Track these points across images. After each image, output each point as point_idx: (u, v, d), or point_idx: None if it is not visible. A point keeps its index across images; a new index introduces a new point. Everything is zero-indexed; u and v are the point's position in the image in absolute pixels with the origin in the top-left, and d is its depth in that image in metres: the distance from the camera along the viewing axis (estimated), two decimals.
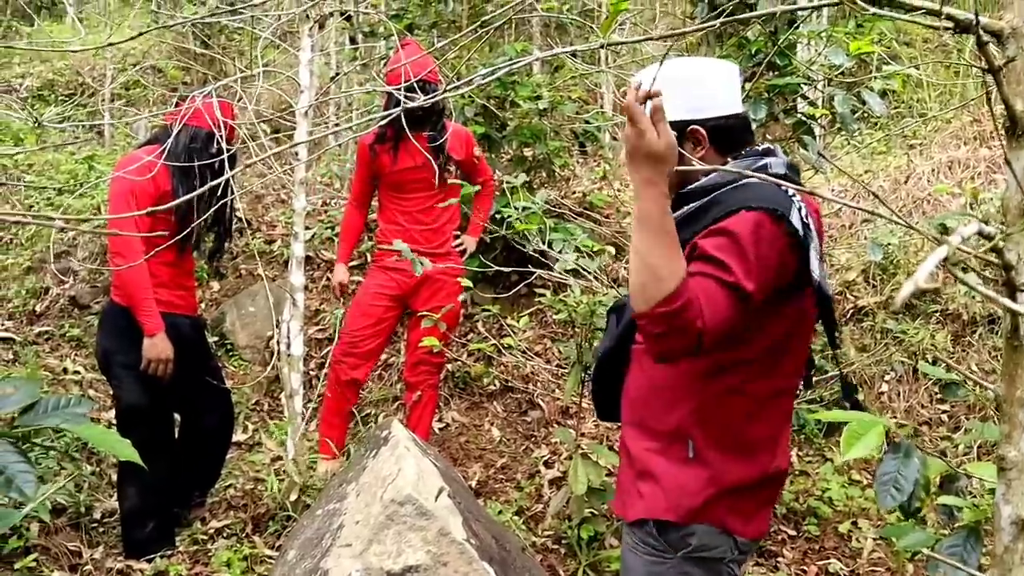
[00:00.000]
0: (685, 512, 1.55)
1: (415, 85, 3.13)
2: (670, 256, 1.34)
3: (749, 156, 1.62)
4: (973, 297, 4.22)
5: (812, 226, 1.49)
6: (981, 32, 0.91)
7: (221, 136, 3.04)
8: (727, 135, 1.62)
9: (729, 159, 1.63)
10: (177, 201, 1.25)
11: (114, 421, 3.61)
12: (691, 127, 1.61)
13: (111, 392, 4.07)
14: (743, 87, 2.98)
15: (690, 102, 1.60)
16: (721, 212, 1.48)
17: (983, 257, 0.90)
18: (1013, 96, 0.99)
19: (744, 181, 1.52)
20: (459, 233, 3.74)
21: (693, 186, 1.61)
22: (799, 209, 1.47)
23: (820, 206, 1.62)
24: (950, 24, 0.86)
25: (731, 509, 1.55)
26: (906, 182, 4.95)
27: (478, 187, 3.63)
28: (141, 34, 1.74)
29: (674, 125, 1.57)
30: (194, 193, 1.41)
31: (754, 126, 2.91)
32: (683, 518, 1.55)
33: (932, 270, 0.61)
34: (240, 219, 3.33)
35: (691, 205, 1.58)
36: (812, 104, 3.24)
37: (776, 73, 3.03)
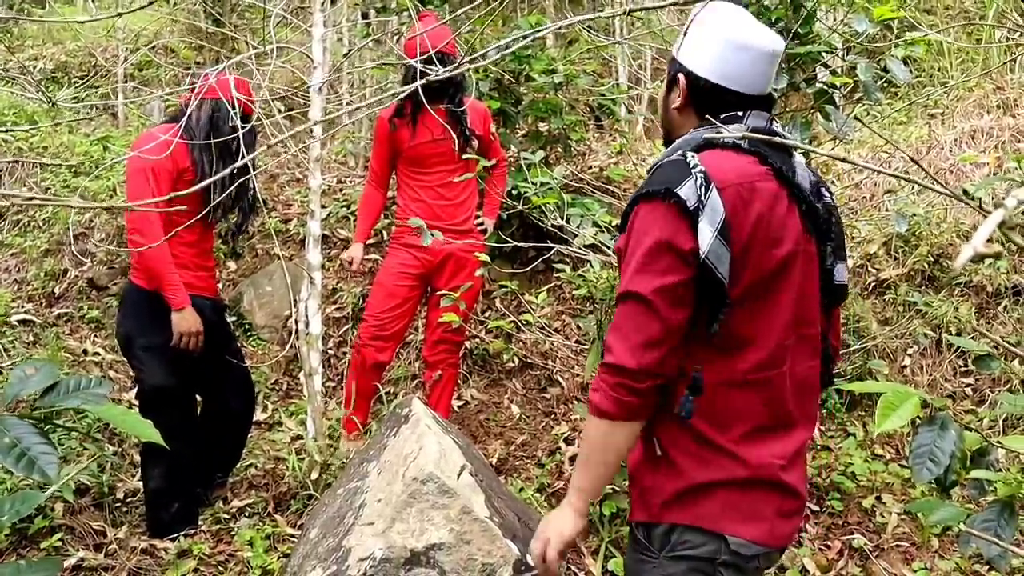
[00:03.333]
0: (656, 510, 1.52)
1: (433, 57, 3.09)
2: (586, 462, 1.54)
3: (705, 126, 1.58)
4: (997, 268, 4.15)
5: (715, 198, 1.41)
6: None
7: (237, 113, 3.02)
8: (710, 102, 1.57)
9: (696, 126, 1.61)
10: (209, 181, 1.23)
11: (134, 402, 3.63)
12: (679, 72, 1.60)
13: (131, 373, 4.10)
14: None
15: (696, 54, 1.57)
16: (628, 204, 1.54)
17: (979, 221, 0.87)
18: None
19: (658, 164, 1.53)
20: (477, 214, 3.71)
21: (657, 160, 1.59)
22: (695, 180, 1.42)
23: (763, 178, 1.51)
24: None
25: (717, 507, 1.48)
26: (928, 152, 4.87)
27: (493, 162, 3.59)
28: (151, 2, 1.71)
29: (673, 64, 1.64)
30: (224, 172, 1.39)
31: (775, 96, 2.85)
32: (654, 516, 1.53)
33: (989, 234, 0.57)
34: (257, 197, 3.31)
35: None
36: (834, 73, 3.17)
37: (797, 42, 2.97)
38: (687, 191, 1.42)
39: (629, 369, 1.42)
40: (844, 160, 0.96)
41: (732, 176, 1.46)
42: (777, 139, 1.36)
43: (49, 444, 1.12)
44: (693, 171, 1.44)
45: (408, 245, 3.56)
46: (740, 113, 1.57)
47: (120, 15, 1.53)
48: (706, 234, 1.40)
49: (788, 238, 1.49)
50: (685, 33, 1.60)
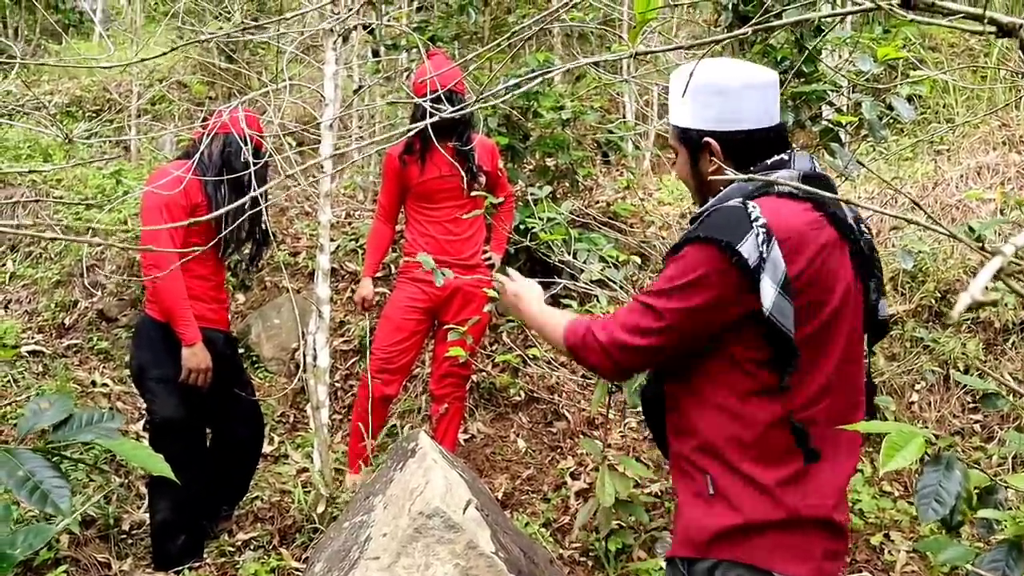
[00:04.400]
0: (703, 546, 1.51)
1: (444, 97, 3.14)
2: (548, 326, 1.76)
3: (757, 172, 1.56)
4: (1006, 305, 4.15)
5: (776, 253, 1.42)
6: (1022, 35, 0.89)
7: (249, 148, 3.06)
8: (745, 149, 1.58)
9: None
10: (219, 212, 1.26)
11: (142, 433, 3.65)
12: (705, 138, 1.59)
13: (140, 405, 4.11)
14: None
15: (710, 112, 1.57)
16: (675, 244, 1.54)
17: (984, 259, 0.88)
18: None
19: (714, 207, 1.53)
20: (485, 249, 3.74)
21: (702, 208, 1.60)
22: (757, 236, 1.42)
23: (819, 224, 1.53)
24: (993, 28, 0.84)
25: (768, 545, 1.47)
26: (934, 188, 4.89)
27: (502, 200, 3.62)
28: (173, 50, 1.76)
29: (690, 132, 1.61)
30: (236, 204, 1.42)
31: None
32: (700, 552, 1.52)
33: (987, 282, 0.59)
34: (269, 231, 3.35)
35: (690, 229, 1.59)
36: (839, 111, 3.21)
37: (802, 80, 3.01)
38: (749, 248, 1.42)
39: (598, 367, 1.61)
40: (847, 202, 0.98)
41: (791, 226, 1.46)
42: (825, 186, 1.38)
43: (62, 477, 1.13)
44: (754, 224, 1.43)
45: (416, 279, 3.58)
46: (785, 157, 1.58)
47: (142, 60, 1.57)
48: (769, 290, 1.41)
49: (841, 282, 1.51)
50: (682, 100, 1.60)
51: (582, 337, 1.62)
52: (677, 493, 1.63)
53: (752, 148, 1.57)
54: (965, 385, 4.01)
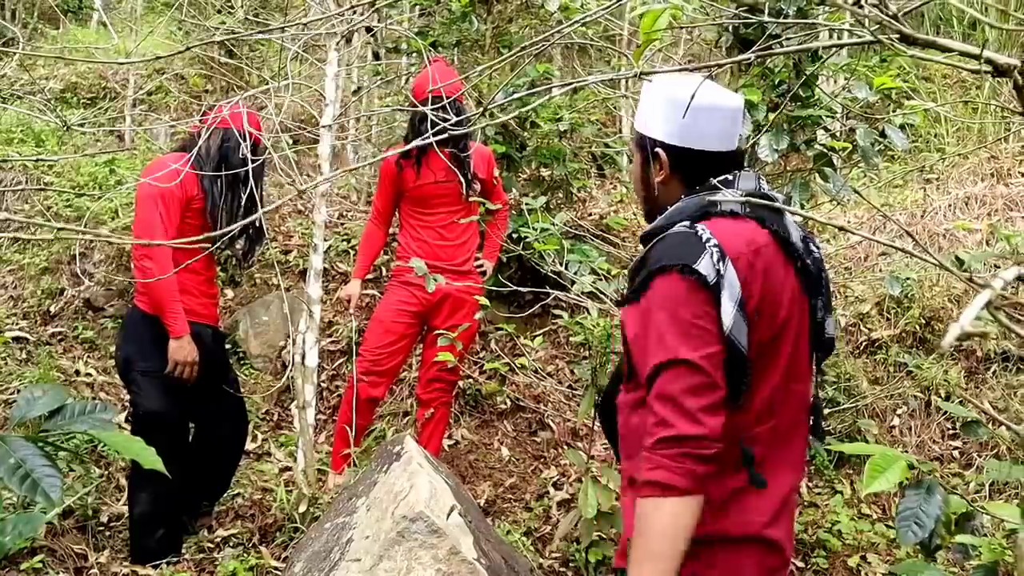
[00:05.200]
0: None
1: (447, 105, 3.16)
2: (646, 546, 1.39)
3: (702, 191, 1.58)
4: (988, 334, 4.20)
5: (730, 270, 1.44)
6: (1017, 77, 0.92)
7: (247, 145, 3.07)
8: (694, 169, 1.60)
9: (685, 192, 1.61)
10: (226, 229, 1.27)
11: (125, 425, 3.63)
12: (656, 148, 1.61)
13: (123, 396, 4.09)
14: (766, 117, 3.00)
15: (669, 127, 1.59)
16: (640, 277, 1.52)
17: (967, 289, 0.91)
18: None
19: (665, 233, 1.53)
20: (477, 256, 3.75)
21: (651, 227, 1.62)
22: (711, 255, 1.44)
23: (765, 243, 1.55)
24: (989, 68, 0.87)
25: (701, 563, 1.46)
26: (922, 216, 4.95)
27: (498, 206, 3.65)
28: (187, 49, 1.76)
29: (645, 139, 1.63)
30: (236, 201, 1.43)
31: (775, 156, 2.92)
32: None
33: (976, 315, 0.61)
34: (263, 227, 3.35)
35: (643, 252, 1.59)
36: (833, 136, 3.25)
37: (799, 104, 3.05)
38: (705, 266, 1.43)
39: (694, 436, 1.37)
40: (841, 228, 1.01)
41: (741, 246, 1.48)
42: (773, 203, 1.40)
43: (53, 467, 1.13)
44: (707, 245, 1.45)
45: (407, 283, 3.59)
46: (731, 177, 1.59)
47: (159, 57, 1.58)
48: (728, 309, 1.42)
49: (786, 300, 1.52)
50: (648, 108, 1.63)
51: (655, 464, 1.40)
52: (623, 503, 1.62)
53: (702, 168, 1.59)
54: (946, 412, 4.06)
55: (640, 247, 1.66)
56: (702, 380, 1.40)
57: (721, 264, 1.43)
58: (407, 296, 3.60)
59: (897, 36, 1.04)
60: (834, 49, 3.03)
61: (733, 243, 1.47)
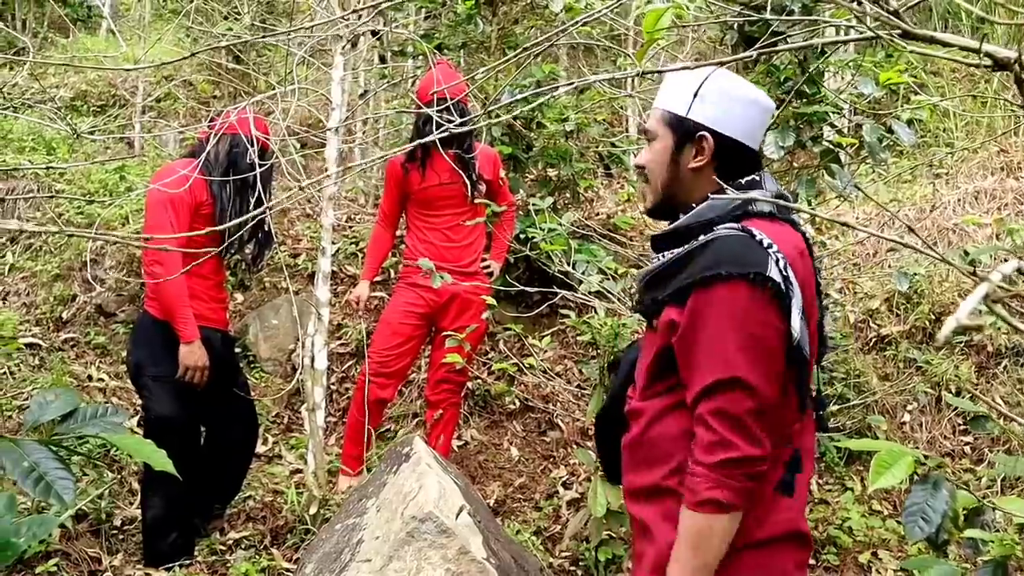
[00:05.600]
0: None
1: (450, 107, 3.18)
2: (696, 552, 1.42)
3: (733, 189, 1.53)
4: (998, 328, 4.19)
5: (792, 276, 1.41)
6: (1018, 70, 0.92)
7: (255, 150, 3.09)
8: (733, 160, 1.56)
9: (714, 186, 1.55)
10: (231, 227, 1.28)
11: (137, 430, 3.65)
12: (701, 132, 1.55)
13: (135, 401, 4.12)
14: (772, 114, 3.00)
15: (718, 112, 1.55)
16: (694, 277, 1.44)
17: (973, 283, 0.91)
18: None
19: (717, 234, 1.46)
20: (484, 257, 3.76)
21: (673, 226, 1.57)
22: (776, 262, 1.40)
23: (807, 244, 1.54)
24: (989, 62, 0.87)
25: (743, 567, 1.46)
26: (932, 211, 4.93)
27: (504, 208, 3.66)
28: (193, 55, 1.78)
29: (687, 123, 1.57)
30: (245, 215, 1.44)
31: (781, 153, 2.92)
32: None
33: (974, 307, 0.62)
34: (272, 231, 3.37)
35: (676, 252, 1.53)
36: (840, 132, 3.24)
37: (804, 101, 3.05)
38: (776, 274, 1.39)
39: (756, 458, 1.39)
40: (845, 224, 1.01)
41: (790, 251, 1.45)
42: (792, 205, 1.38)
43: (66, 470, 1.15)
44: (770, 251, 1.41)
45: (415, 285, 3.61)
46: (757, 177, 1.57)
47: (165, 64, 1.59)
48: (796, 317, 1.40)
49: (815, 302, 1.53)
50: (693, 90, 1.57)
51: (716, 483, 1.39)
52: (639, 520, 1.58)
53: (739, 163, 1.57)
54: (956, 408, 4.04)
55: (649, 246, 1.63)
56: (764, 402, 1.39)
57: (787, 271, 1.40)
58: (414, 298, 3.61)
59: (898, 32, 1.04)
60: (838, 45, 3.02)
61: (785, 248, 1.44)
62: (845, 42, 2.31)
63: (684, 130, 1.58)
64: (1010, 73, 0.95)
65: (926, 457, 1.47)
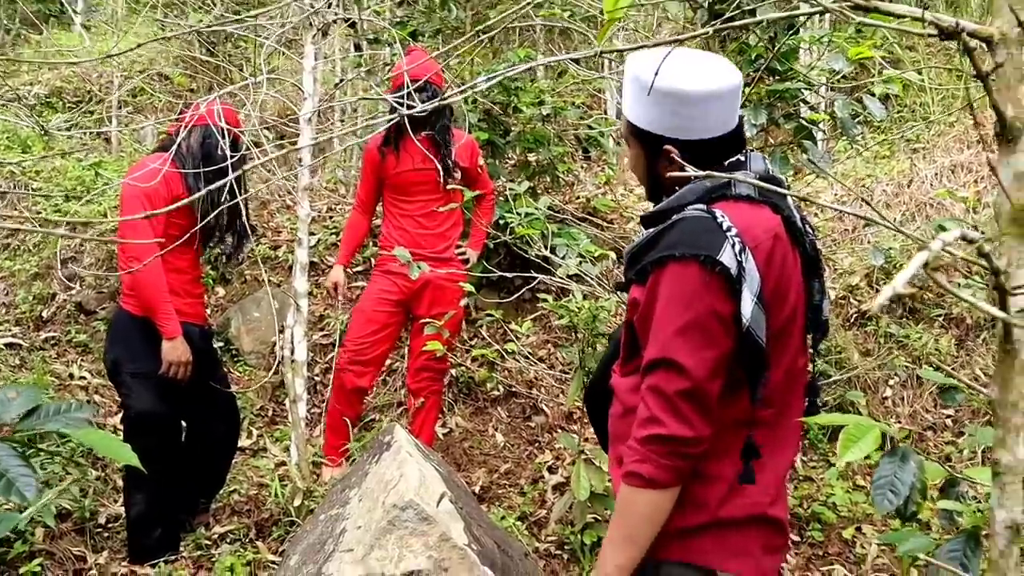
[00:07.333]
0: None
1: (423, 86, 3.17)
2: (624, 527, 1.46)
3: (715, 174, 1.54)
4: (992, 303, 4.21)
5: (750, 261, 1.40)
6: (966, 38, 0.91)
7: (226, 141, 3.06)
8: (703, 154, 1.54)
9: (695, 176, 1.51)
10: (199, 195, 1.27)
11: (119, 427, 3.64)
12: (665, 145, 1.54)
13: (117, 398, 4.10)
14: (743, 92, 2.99)
15: (672, 121, 1.52)
16: (653, 257, 1.46)
17: (972, 261, 0.91)
18: (1002, 102, 1.00)
19: (677, 216, 1.47)
20: (460, 244, 3.75)
21: (657, 208, 1.57)
22: (734, 246, 1.40)
23: (791, 226, 1.53)
24: (935, 31, 0.87)
25: (708, 544, 1.48)
26: (909, 186, 4.95)
27: (479, 193, 3.64)
28: (149, 41, 1.76)
29: (648, 135, 1.56)
30: (216, 185, 1.43)
31: (755, 131, 2.92)
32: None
33: (914, 274, 0.62)
34: (247, 224, 3.34)
35: (648, 232, 1.53)
36: (813, 109, 3.24)
37: (777, 78, 3.04)
38: (728, 258, 1.39)
39: (683, 438, 1.39)
40: (803, 199, 1.01)
41: (759, 234, 1.44)
42: (780, 188, 1.35)
43: (28, 467, 1.14)
44: (728, 235, 1.40)
45: (388, 272, 3.61)
46: (742, 158, 1.56)
47: (110, 56, 1.57)
48: (748, 303, 1.39)
49: (794, 287, 1.50)
50: (644, 101, 1.53)
51: (642, 457, 1.42)
52: (613, 481, 1.60)
53: (710, 153, 1.55)
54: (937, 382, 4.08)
55: (636, 227, 1.62)
56: (697, 384, 1.39)
57: (743, 255, 1.40)
58: (388, 285, 3.61)
59: (849, 5, 1.03)
60: (805, 20, 3.02)
61: (752, 231, 1.43)
62: (796, 16, 2.31)
63: (649, 142, 1.58)
64: (958, 42, 0.94)
65: (899, 430, 1.48)
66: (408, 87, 2.84)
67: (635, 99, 1.57)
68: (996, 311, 0.71)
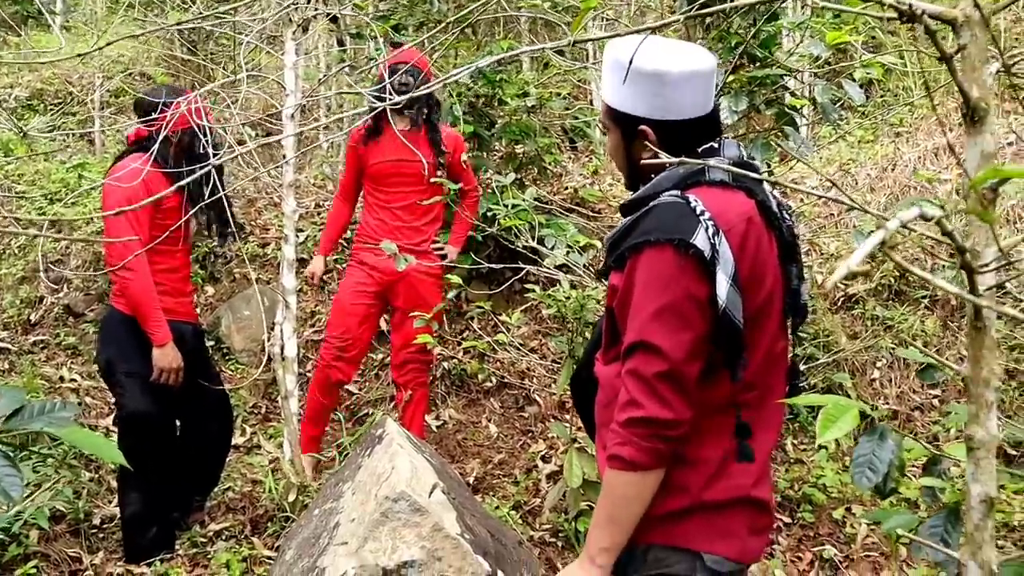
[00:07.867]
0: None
1: (408, 70, 3.17)
2: (608, 512, 1.49)
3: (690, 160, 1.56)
4: (961, 283, 4.24)
5: (724, 244, 1.42)
6: (927, 20, 0.93)
7: (210, 140, 3.06)
8: (681, 138, 1.56)
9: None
10: (173, 189, 1.28)
11: (112, 428, 3.64)
12: (641, 126, 1.56)
13: (109, 399, 4.10)
14: (724, 78, 3.01)
15: (649, 102, 1.54)
16: (630, 243, 1.48)
17: (938, 239, 0.93)
18: (967, 83, 1.02)
19: (652, 203, 1.49)
20: (437, 240, 3.74)
21: (635, 196, 1.59)
22: (707, 229, 1.41)
23: (766, 210, 1.55)
24: (894, 14, 0.88)
25: (693, 527, 1.50)
26: (892, 169, 4.98)
27: (460, 185, 3.64)
28: (110, 43, 1.75)
29: (625, 117, 1.58)
30: (194, 177, 1.43)
31: (735, 118, 2.93)
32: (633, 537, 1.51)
33: (868, 252, 0.63)
34: (233, 221, 3.34)
35: (626, 220, 1.55)
36: (794, 95, 3.26)
37: (757, 64, 3.06)
38: (702, 241, 1.40)
39: (663, 420, 1.41)
40: (774, 183, 1.02)
41: (732, 218, 1.46)
42: (754, 174, 1.36)
43: (13, 466, 1.14)
44: (702, 218, 1.42)
45: (363, 263, 3.62)
46: (716, 144, 1.58)
47: (84, 55, 1.57)
48: (723, 285, 1.41)
49: (770, 271, 1.52)
50: (620, 82, 1.55)
51: (623, 440, 1.44)
52: (600, 467, 1.61)
53: (686, 136, 1.57)
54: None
55: (620, 217, 1.64)
56: (674, 366, 1.41)
57: (716, 238, 1.41)
58: (363, 276, 3.62)
59: None
60: (787, 5, 3.03)
61: (726, 215, 1.45)
62: (763, 2, 2.32)
63: (625, 124, 1.60)
64: (920, 24, 0.96)
65: (873, 408, 1.50)
66: (388, 79, 2.84)
67: (614, 82, 1.59)
68: (956, 289, 0.73)
